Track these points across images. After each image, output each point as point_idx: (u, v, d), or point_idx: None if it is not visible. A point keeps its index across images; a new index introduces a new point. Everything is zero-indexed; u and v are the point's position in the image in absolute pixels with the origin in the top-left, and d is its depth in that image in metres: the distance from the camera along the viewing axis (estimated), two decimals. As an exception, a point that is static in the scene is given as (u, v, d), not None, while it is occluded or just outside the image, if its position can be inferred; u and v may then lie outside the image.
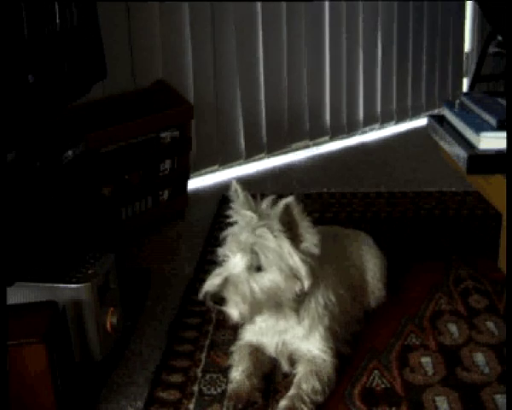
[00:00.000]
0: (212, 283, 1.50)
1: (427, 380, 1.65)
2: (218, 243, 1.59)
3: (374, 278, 1.93)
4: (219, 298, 1.47)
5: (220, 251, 1.56)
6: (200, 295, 1.52)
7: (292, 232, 1.52)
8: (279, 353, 1.66)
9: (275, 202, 1.56)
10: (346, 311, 1.74)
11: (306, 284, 1.53)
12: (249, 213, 1.54)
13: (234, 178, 1.59)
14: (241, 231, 1.53)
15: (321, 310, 1.64)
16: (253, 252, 1.50)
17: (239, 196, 1.58)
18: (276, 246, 1.50)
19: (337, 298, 1.69)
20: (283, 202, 1.51)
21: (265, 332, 1.66)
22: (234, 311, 1.47)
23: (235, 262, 1.51)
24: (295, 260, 1.51)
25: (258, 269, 1.50)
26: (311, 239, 1.54)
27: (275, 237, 1.50)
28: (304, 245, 1.53)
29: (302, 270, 1.52)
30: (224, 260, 1.54)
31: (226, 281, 1.48)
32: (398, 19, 3.84)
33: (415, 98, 4.03)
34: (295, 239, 1.52)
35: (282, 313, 1.61)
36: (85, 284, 1.68)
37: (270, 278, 1.50)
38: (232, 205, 1.60)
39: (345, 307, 1.73)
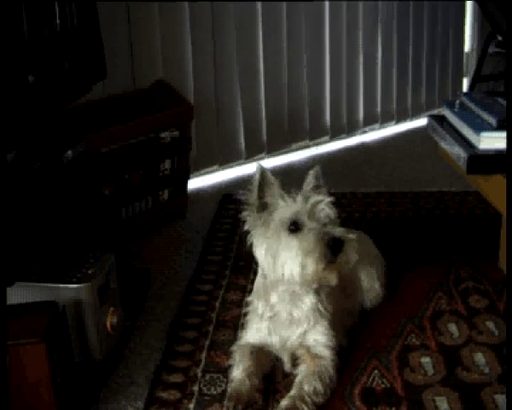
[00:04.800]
0: (316, 242, 1.49)
1: (427, 380, 1.65)
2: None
3: (368, 276, 1.92)
4: (338, 242, 1.49)
5: (276, 229, 1.54)
6: (296, 277, 1.51)
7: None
8: (283, 349, 1.66)
9: None
10: (336, 302, 1.74)
11: None
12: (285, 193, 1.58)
13: (260, 165, 1.58)
14: (295, 203, 1.55)
15: (322, 301, 1.65)
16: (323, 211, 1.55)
17: (270, 181, 1.58)
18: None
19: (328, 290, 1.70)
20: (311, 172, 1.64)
21: (273, 329, 1.66)
22: (353, 253, 1.52)
23: (319, 218, 1.54)
24: None
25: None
26: None
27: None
28: None
29: None
30: (290, 235, 1.53)
31: (328, 230, 1.51)
32: (398, 19, 3.84)
33: (415, 98, 4.03)
34: None
35: (297, 297, 1.63)
36: (85, 284, 1.68)
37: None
38: (254, 189, 1.58)
39: (333, 298, 1.73)
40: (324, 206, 1.55)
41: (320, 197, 1.56)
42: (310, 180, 1.64)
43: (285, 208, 1.55)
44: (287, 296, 1.63)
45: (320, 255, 1.49)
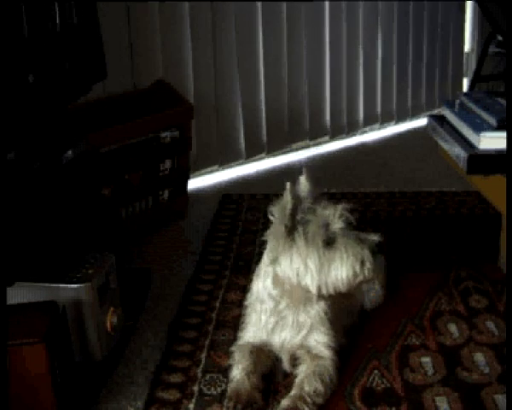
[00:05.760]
0: (359, 251, 1.52)
1: (427, 380, 1.65)
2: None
3: None
4: (378, 244, 1.54)
5: (314, 246, 1.53)
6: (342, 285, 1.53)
7: None
8: (284, 350, 1.66)
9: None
10: (336, 302, 1.73)
11: None
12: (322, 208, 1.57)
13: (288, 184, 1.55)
14: (323, 220, 1.55)
15: (323, 303, 1.65)
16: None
17: (300, 199, 1.58)
18: None
19: None
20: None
21: (275, 329, 1.65)
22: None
23: (349, 233, 1.54)
24: None
25: None
26: None
27: None
28: None
29: None
30: (326, 250, 1.53)
31: (363, 237, 1.54)
32: (398, 19, 3.84)
33: (415, 98, 4.03)
34: None
35: (308, 303, 1.63)
36: (85, 284, 1.68)
37: None
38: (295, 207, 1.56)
39: (333, 298, 1.72)
40: (345, 212, 1.55)
41: (341, 205, 1.56)
42: (307, 189, 1.61)
43: (316, 223, 1.54)
44: (300, 304, 1.62)
45: (371, 262, 1.52)
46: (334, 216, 1.55)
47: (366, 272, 1.53)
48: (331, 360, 1.62)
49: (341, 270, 1.52)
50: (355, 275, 1.52)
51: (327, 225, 1.54)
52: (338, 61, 3.62)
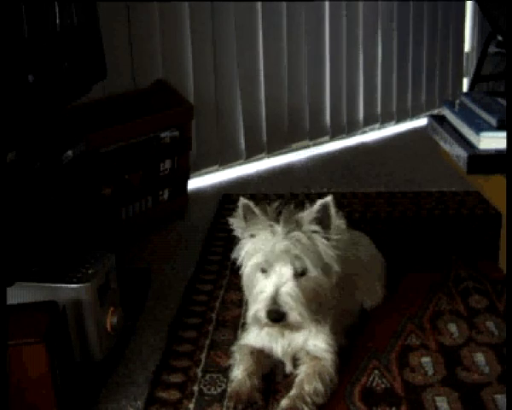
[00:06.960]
0: (264, 302, 1.51)
1: (427, 380, 1.65)
2: (235, 263, 1.63)
3: (369, 276, 1.92)
4: (279, 314, 1.49)
5: (249, 267, 1.57)
6: (250, 319, 1.55)
7: (323, 230, 1.57)
8: (285, 354, 1.66)
9: (281, 207, 1.60)
10: (336, 302, 1.72)
11: (335, 277, 1.59)
12: (273, 224, 1.55)
13: (242, 198, 1.60)
14: (268, 243, 1.53)
15: (322, 307, 1.64)
16: (295, 258, 1.52)
17: (253, 211, 1.58)
18: (313, 246, 1.54)
19: None
20: (321, 201, 1.56)
21: (272, 336, 1.65)
22: (298, 321, 1.51)
23: (279, 273, 1.52)
24: (329, 258, 1.57)
25: (302, 274, 1.53)
26: (337, 236, 1.59)
27: (309, 238, 1.54)
28: (332, 242, 1.58)
29: (334, 265, 1.58)
30: (261, 275, 1.55)
31: (278, 295, 1.50)
32: (398, 19, 3.84)
33: (415, 98, 4.03)
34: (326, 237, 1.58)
35: None
36: (85, 284, 1.68)
37: (316, 280, 1.55)
38: (239, 220, 1.60)
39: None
40: (289, 257, 1.51)
41: (288, 252, 1.51)
42: (315, 210, 1.57)
43: (258, 252, 1.55)
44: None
45: (263, 318, 1.51)
46: (273, 253, 1.52)
47: (261, 320, 1.52)
48: (331, 360, 1.62)
49: (252, 304, 1.55)
50: (254, 316, 1.53)
51: (264, 258, 1.53)
52: (338, 61, 3.62)
